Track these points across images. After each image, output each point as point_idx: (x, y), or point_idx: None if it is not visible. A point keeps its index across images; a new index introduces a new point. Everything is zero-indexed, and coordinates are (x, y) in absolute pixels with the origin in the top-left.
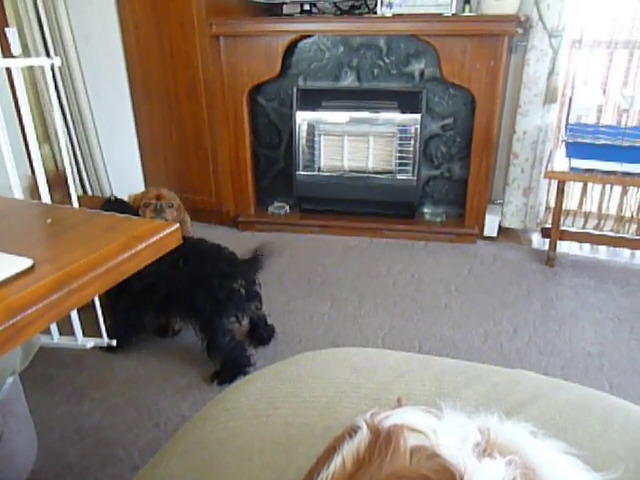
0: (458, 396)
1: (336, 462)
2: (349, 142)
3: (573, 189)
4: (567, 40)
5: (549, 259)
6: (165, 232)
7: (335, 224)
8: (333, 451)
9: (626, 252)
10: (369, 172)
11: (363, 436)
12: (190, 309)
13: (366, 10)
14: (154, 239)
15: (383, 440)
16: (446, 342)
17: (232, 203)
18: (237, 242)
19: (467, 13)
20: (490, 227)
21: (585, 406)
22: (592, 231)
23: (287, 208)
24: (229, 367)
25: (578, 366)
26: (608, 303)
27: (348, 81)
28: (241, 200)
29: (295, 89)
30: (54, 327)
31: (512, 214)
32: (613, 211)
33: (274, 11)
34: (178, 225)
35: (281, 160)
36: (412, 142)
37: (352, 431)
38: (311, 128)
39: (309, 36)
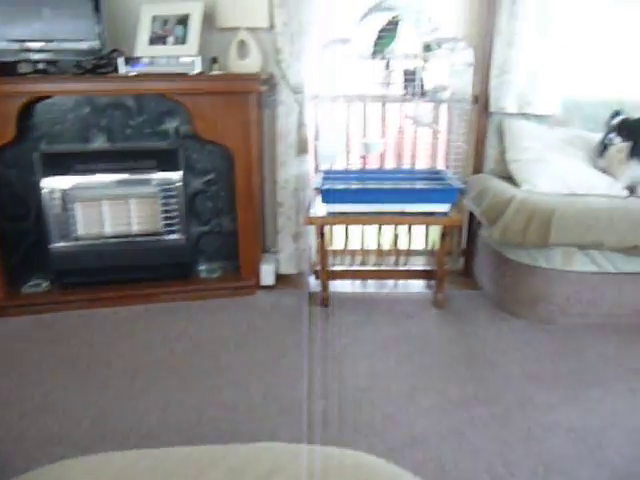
0: None
1: None
2: (108, 206)
3: (338, 230)
4: (309, 95)
5: (323, 300)
6: None
7: (103, 295)
8: None
9: (390, 282)
10: (134, 235)
11: None
12: None
13: (111, 69)
14: None
15: None
16: (227, 406)
17: None
18: None
19: (215, 72)
20: (266, 276)
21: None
22: (358, 267)
23: (45, 285)
24: None
25: (352, 403)
26: (376, 334)
27: (99, 142)
28: None
29: (38, 154)
30: None
31: (286, 260)
32: (374, 247)
33: (6, 71)
34: None
35: (32, 232)
36: (176, 200)
37: None
38: (63, 194)
39: (48, 97)
